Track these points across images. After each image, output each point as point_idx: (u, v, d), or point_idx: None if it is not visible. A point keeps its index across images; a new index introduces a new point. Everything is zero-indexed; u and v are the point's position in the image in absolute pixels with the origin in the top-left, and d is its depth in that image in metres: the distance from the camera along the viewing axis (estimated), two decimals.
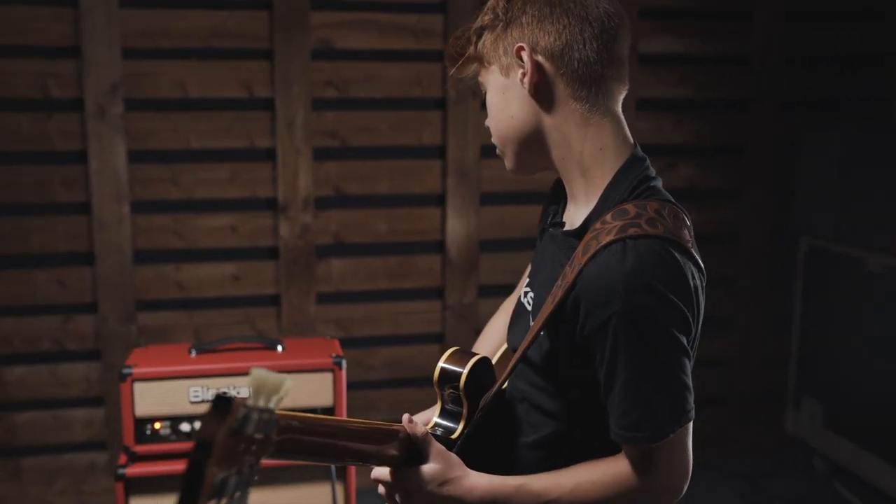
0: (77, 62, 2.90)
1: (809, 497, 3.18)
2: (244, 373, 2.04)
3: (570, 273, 1.15)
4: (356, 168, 3.19)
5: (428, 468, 1.18)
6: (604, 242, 1.11)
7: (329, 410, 2.08)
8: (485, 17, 1.26)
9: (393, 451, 1.17)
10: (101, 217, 2.98)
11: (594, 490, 1.16)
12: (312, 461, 1.09)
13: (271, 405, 0.92)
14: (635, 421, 1.11)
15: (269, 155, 3.10)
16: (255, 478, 0.91)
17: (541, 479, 1.19)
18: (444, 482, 1.18)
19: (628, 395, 1.11)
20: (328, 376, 2.06)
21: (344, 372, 2.07)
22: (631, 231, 1.10)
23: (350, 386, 2.48)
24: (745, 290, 3.55)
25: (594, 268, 1.11)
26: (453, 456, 1.21)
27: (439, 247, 3.29)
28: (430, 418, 1.39)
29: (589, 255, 1.12)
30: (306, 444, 1.03)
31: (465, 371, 1.28)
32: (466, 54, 1.28)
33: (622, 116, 1.24)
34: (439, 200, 3.26)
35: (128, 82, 2.95)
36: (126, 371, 1.99)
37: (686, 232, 1.16)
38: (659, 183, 1.22)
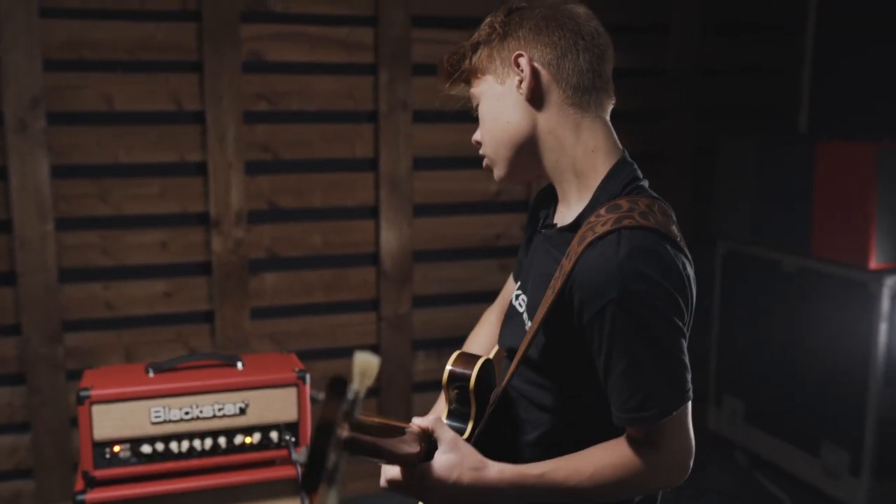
0: None
1: (736, 488, 3.34)
2: (206, 391, 2.00)
3: (567, 264, 1.21)
4: (289, 181, 3.16)
5: (441, 458, 1.19)
6: (599, 233, 1.17)
7: (293, 426, 2.06)
8: (481, 32, 1.33)
9: (411, 448, 1.17)
10: (24, 235, 2.85)
11: (612, 472, 1.21)
12: (356, 460, 1.09)
13: (363, 392, 0.93)
14: (640, 403, 1.16)
15: (201, 169, 3.04)
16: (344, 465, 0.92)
17: (561, 466, 1.22)
18: (464, 471, 1.19)
19: (631, 379, 1.16)
20: (292, 391, 2.04)
21: (308, 386, 2.06)
22: (626, 222, 1.16)
23: None
24: None
25: (590, 258, 1.17)
26: (467, 445, 1.23)
27: (373, 259, 3.29)
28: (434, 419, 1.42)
29: (585, 244, 1.18)
30: (368, 444, 1.05)
31: (475, 372, 1.34)
32: (462, 68, 1.35)
33: (611, 125, 1.33)
34: (372, 213, 3.27)
35: (50, 95, 2.84)
36: (84, 393, 1.92)
37: (674, 228, 1.25)
38: (647, 184, 1.31)
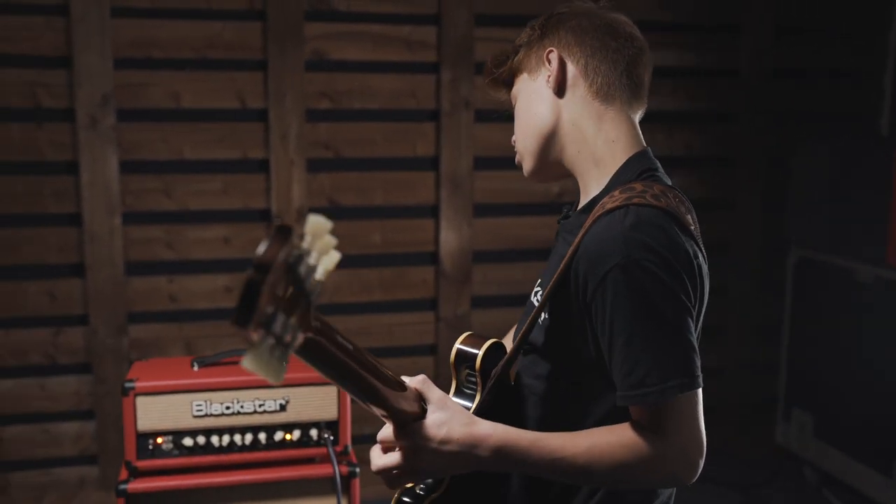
0: (69, 72, 2.87)
1: None
2: (248, 386, 2.02)
3: (576, 241, 1.20)
4: (350, 179, 3.18)
5: (431, 417, 1.15)
6: (608, 208, 1.17)
7: (333, 424, 2.06)
8: (523, 35, 1.40)
9: (410, 405, 1.14)
10: (93, 229, 2.94)
11: (611, 451, 1.15)
12: (327, 376, 1.05)
13: (318, 273, 0.90)
14: (641, 378, 1.11)
15: (263, 166, 3.08)
16: (294, 346, 0.88)
17: (557, 435, 1.18)
18: (454, 426, 1.15)
19: (632, 351, 1.12)
20: (333, 390, 2.04)
21: None
22: (635, 200, 1.16)
23: None
24: (736, 301, 3.58)
25: (595, 229, 1.17)
26: (456, 403, 1.20)
27: (433, 258, 3.28)
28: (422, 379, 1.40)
29: (592, 219, 1.18)
30: (335, 357, 1.00)
31: (481, 352, 1.32)
32: (503, 69, 1.40)
33: (637, 125, 1.33)
34: (433, 212, 3.26)
35: (120, 93, 2.92)
36: (129, 385, 1.96)
37: (689, 217, 1.23)
38: (667, 179, 1.29)
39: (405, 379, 1.19)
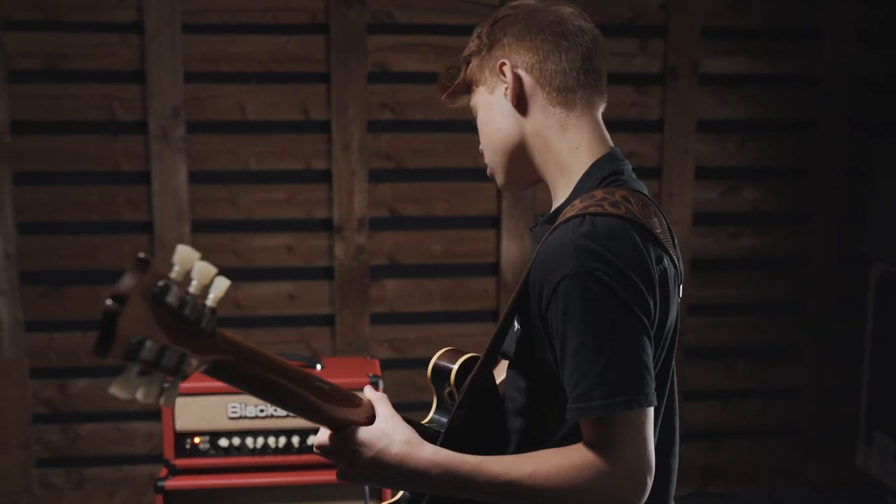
0: (142, 86, 3.00)
1: None
2: None
3: (535, 252, 1.18)
4: (411, 190, 3.21)
5: (375, 427, 1.16)
6: (565, 217, 1.15)
7: None
8: (471, 45, 1.36)
9: (351, 415, 1.15)
10: (163, 236, 3.07)
11: (557, 474, 1.11)
12: (251, 394, 1.08)
13: (209, 300, 0.92)
14: (586, 391, 1.09)
15: (325, 176, 3.14)
16: (187, 371, 0.91)
17: (501, 459, 1.16)
18: (394, 441, 1.14)
19: (580, 363, 1.10)
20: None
21: (381, 391, 2.07)
22: (592, 209, 1.14)
23: (404, 407, 2.46)
24: (814, 318, 3.42)
25: (550, 239, 1.15)
26: (408, 426, 1.19)
27: (494, 269, 3.27)
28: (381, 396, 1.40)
29: (551, 230, 1.16)
30: (251, 373, 1.03)
31: (456, 367, 1.32)
32: (457, 81, 1.38)
33: (601, 123, 1.31)
34: (494, 222, 3.25)
35: (189, 105, 3.04)
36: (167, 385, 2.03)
37: (656, 220, 1.19)
38: (637, 184, 1.26)
39: (366, 391, 1.22)
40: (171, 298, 0.89)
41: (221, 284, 0.94)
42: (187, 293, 0.91)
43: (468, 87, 1.37)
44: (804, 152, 3.35)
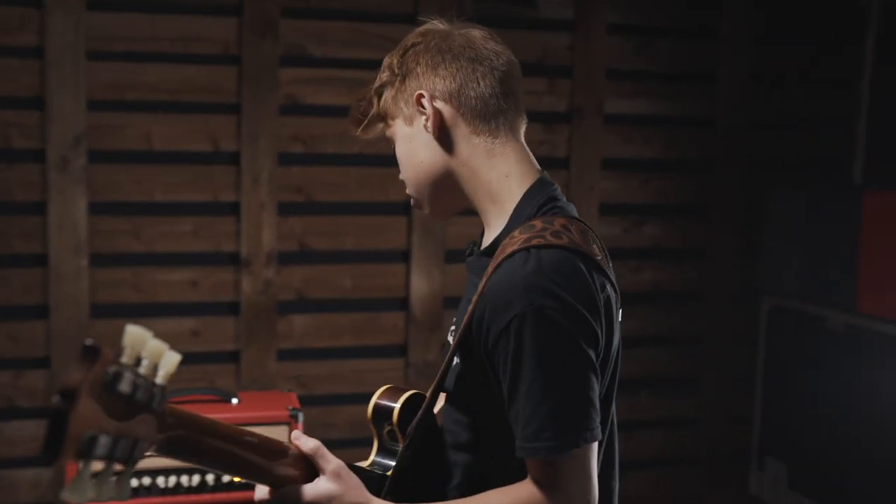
0: (41, 113, 2.88)
1: None
2: None
3: (480, 287, 1.17)
4: (322, 223, 3.18)
5: (320, 486, 1.13)
6: (508, 252, 1.14)
7: None
8: (382, 76, 1.33)
9: (287, 471, 1.11)
10: (59, 269, 2.92)
11: None
12: (200, 465, 1.04)
13: (158, 378, 0.89)
14: (535, 430, 1.09)
15: (234, 209, 3.08)
16: (138, 457, 0.86)
17: None
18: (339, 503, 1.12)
19: (530, 402, 1.09)
20: (283, 430, 2.01)
21: (301, 425, 2.03)
22: (535, 241, 1.13)
23: None
24: (710, 350, 3.55)
25: (497, 275, 1.14)
26: (354, 477, 1.17)
27: (403, 303, 3.26)
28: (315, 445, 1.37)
29: (494, 265, 1.15)
30: (201, 445, 0.99)
31: (398, 405, 1.29)
32: (370, 114, 1.35)
33: (526, 146, 1.31)
34: (404, 257, 3.25)
35: (92, 134, 2.93)
36: None
37: (595, 247, 1.20)
38: (570, 208, 1.27)
39: (295, 441, 1.18)
40: (124, 386, 0.84)
41: (172, 360, 0.91)
42: (138, 376, 0.86)
43: (382, 119, 1.34)
44: (702, 191, 3.51)
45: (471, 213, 3.36)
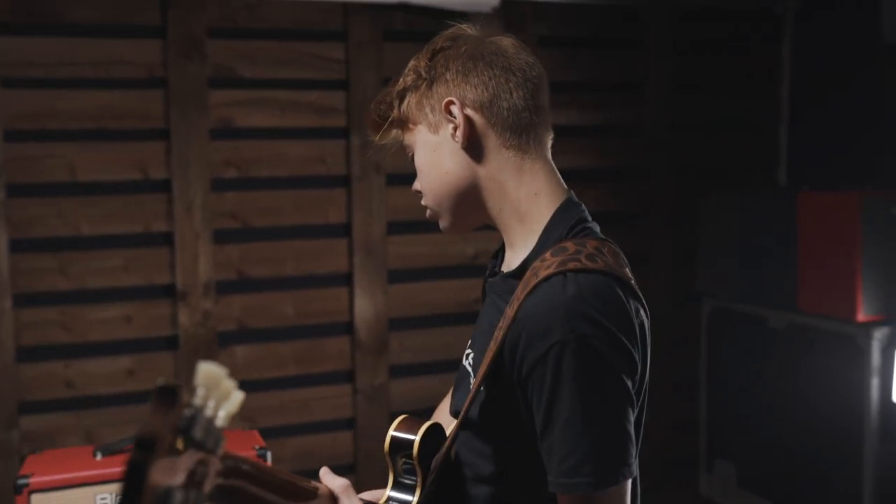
0: None
1: None
2: None
3: (510, 312, 1.12)
4: (259, 250, 3.07)
5: None
6: (543, 276, 1.09)
7: None
8: (406, 79, 1.25)
9: None
10: None
11: None
12: None
13: (219, 419, 0.82)
14: (576, 465, 1.04)
15: (167, 239, 2.94)
16: None
17: None
18: None
19: (569, 435, 1.05)
20: None
21: (270, 464, 1.93)
22: (571, 265, 1.09)
23: None
24: (653, 354, 3.58)
25: (533, 300, 1.08)
26: None
27: (348, 328, 3.18)
28: (381, 494, 1.32)
29: (528, 289, 1.10)
30: (249, 491, 0.93)
31: (418, 438, 1.22)
32: (390, 118, 1.27)
33: (553, 163, 1.25)
34: (346, 280, 3.17)
35: (10, 167, 2.75)
36: (22, 482, 1.78)
37: (627, 270, 1.16)
38: (596, 227, 1.22)
39: (324, 479, 1.15)
40: (198, 432, 0.78)
41: (235, 401, 0.83)
42: (208, 420, 0.80)
43: (402, 124, 1.27)
44: (637, 198, 3.55)
45: (412, 231, 3.32)
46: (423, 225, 3.27)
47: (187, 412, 0.77)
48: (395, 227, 3.19)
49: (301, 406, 3.13)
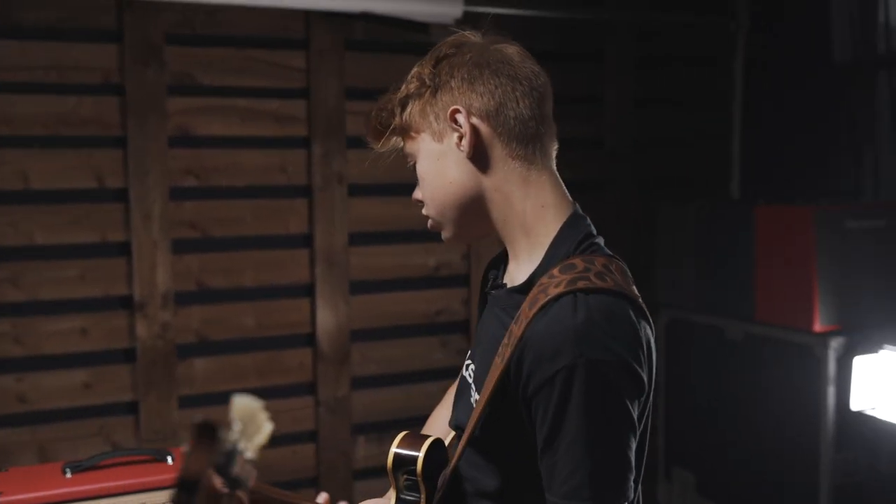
0: None
1: None
2: (133, 490, 1.81)
3: (516, 329, 1.10)
4: (219, 260, 3.01)
5: None
6: (552, 295, 1.07)
7: None
8: (410, 86, 1.23)
9: None
10: None
11: None
12: None
13: (249, 452, 0.80)
14: (576, 487, 1.04)
15: (124, 249, 2.86)
16: None
17: None
18: None
19: (571, 458, 1.04)
20: None
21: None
22: (581, 284, 1.07)
23: None
24: None
25: (543, 321, 1.07)
26: None
27: (310, 339, 3.14)
28: None
29: (537, 307, 1.08)
30: None
31: (422, 454, 1.22)
32: (392, 126, 1.24)
33: (558, 175, 1.24)
34: (308, 291, 3.13)
35: None
36: None
37: (634, 288, 1.16)
38: (601, 241, 1.21)
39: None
40: (236, 468, 0.77)
41: (265, 433, 0.81)
42: (242, 455, 0.78)
43: (403, 132, 1.24)
44: (596, 210, 3.56)
45: (374, 242, 3.30)
46: (386, 236, 3.28)
47: (225, 448, 0.74)
48: (357, 238, 3.17)
49: None
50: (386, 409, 3.24)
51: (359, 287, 3.19)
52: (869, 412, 2.80)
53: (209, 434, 0.73)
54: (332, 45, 3.07)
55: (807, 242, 2.87)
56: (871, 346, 2.80)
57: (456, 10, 3.07)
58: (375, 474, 3.17)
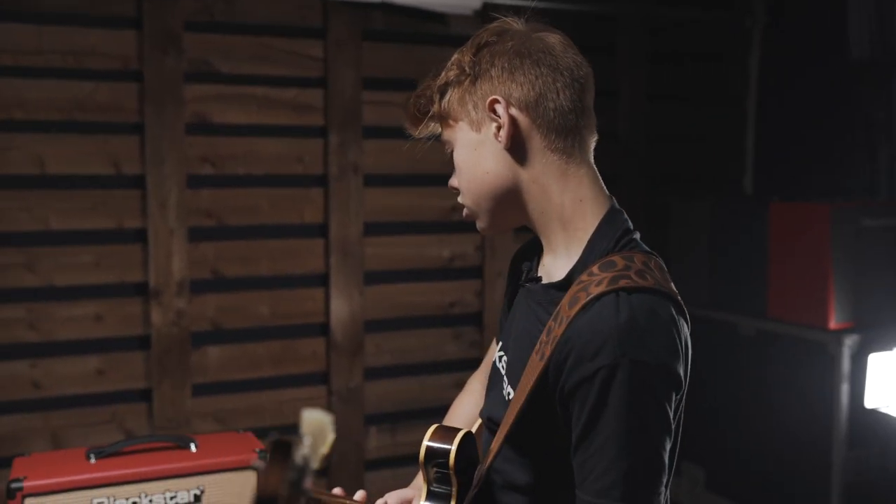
0: None
1: None
2: (156, 477, 1.81)
3: (556, 328, 1.09)
4: (234, 248, 3.00)
5: None
6: (594, 294, 1.07)
7: None
8: (449, 73, 1.21)
9: None
10: None
11: None
12: None
13: (313, 462, 0.81)
14: (608, 486, 1.04)
15: (140, 236, 2.86)
16: None
17: None
18: None
19: (604, 456, 1.04)
20: (251, 475, 1.87)
21: None
22: (622, 283, 1.07)
23: None
24: None
25: (585, 319, 1.06)
26: None
27: (323, 329, 3.13)
28: (408, 497, 1.31)
29: (578, 306, 1.08)
30: None
31: (454, 447, 1.21)
32: (430, 113, 1.23)
33: (595, 167, 1.22)
34: (322, 281, 3.12)
35: None
36: (15, 485, 1.70)
37: (672, 284, 1.15)
38: (638, 236, 1.21)
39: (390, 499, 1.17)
40: (308, 482, 0.77)
41: (329, 441, 0.82)
42: (312, 469, 0.79)
43: (441, 119, 1.23)
44: None
45: (389, 232, 3.30)
46: (400, 226, 3.27)
47: (298, 464, 0.76)
48: (372, 228, 3.16)
49: (275, 408, 3.08)
50: (399, 399, 3.24)
51: (373, 277, 3.19)
52: (883, 410, 2.80)
53: (284, 451, 0.75)
54: (349, 34, 3.06)
55: (822, 239, 2.88)
56: (885, 344, 2.81)
57: (475, 1, 3.06)
58: (387, 465, 3.17)
